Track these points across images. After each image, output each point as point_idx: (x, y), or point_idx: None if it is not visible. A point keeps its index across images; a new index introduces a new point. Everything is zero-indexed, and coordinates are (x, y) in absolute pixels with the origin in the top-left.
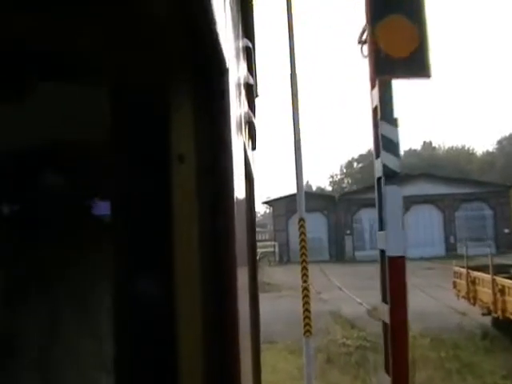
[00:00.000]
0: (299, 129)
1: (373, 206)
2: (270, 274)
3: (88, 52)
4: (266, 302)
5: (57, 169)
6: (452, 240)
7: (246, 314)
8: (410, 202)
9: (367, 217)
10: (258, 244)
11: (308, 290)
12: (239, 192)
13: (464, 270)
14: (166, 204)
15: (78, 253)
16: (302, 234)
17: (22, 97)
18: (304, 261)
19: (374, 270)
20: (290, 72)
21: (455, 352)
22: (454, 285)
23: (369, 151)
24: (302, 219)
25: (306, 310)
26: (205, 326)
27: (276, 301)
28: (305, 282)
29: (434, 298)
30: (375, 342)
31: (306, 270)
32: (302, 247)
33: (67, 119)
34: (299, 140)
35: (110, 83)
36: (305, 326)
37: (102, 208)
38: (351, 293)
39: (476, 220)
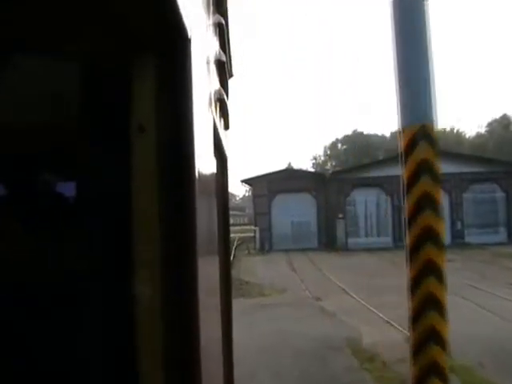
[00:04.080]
0: None
1: (369, 185)
2: (248, 266)
3: (49, 25)
4: (241, 317)
5: (17, 143)
6: (459, 226)
7: (211, 329)
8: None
9: (362, 199)
10: (236, 229)
11: None
12: (205, 169)
13: None
14: (125, 176)
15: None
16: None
17: None
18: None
19: (377, 263)
20: None
21: None
22: None
23: (354, 132)
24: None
25: None
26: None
27: (258, 314)
28: None
29: (489, 311)
30: None
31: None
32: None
33: (27, 92)
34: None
35: (70, 55)
36: None
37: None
38: (363, 299)
39: (486, 204)
